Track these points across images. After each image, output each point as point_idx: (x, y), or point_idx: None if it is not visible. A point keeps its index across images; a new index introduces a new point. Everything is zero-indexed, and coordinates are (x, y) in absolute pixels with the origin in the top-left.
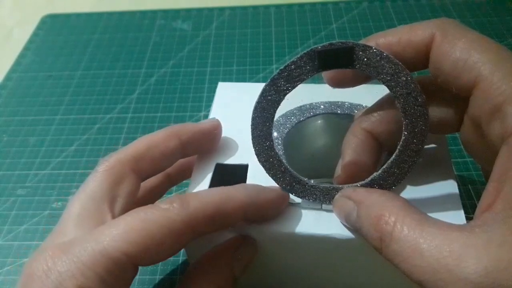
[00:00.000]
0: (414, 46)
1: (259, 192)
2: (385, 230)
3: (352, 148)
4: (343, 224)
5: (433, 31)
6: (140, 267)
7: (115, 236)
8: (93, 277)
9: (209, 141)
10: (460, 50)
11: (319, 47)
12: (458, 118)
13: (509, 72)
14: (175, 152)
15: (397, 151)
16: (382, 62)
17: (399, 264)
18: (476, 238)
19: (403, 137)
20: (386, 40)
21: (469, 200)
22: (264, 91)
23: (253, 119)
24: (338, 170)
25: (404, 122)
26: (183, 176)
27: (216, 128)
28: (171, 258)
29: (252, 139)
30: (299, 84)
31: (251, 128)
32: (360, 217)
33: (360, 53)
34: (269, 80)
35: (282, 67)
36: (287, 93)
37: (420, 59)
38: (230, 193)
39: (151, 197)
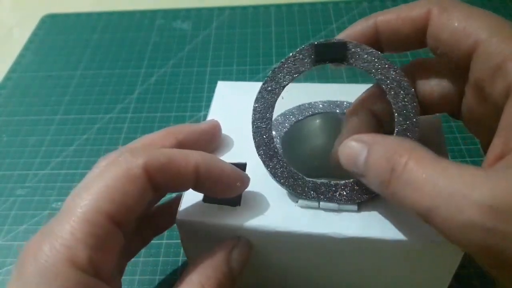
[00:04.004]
0: (411, 21)
1: (216, 160)
2: (398, 161)
3: (352, 125)
4: (347, 170)
5: (430, 6)
6: (141, 268)
7: (82, 201)
8: (77, 245)
9: (207, 141)
10: (458, 19)
11: (316, 42)
12: (458, 91)
13: (507, 35)
14: None
15: None
16: (373, 58)
17: (408, 195)
18: (490, 172)
19: (395, 132)
20: (385, 17)
21: None
22: (265, 83)
23: (254, 109)
24: (336, 146)
25: (395, 116)
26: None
27: (214, 128)
28: (171, 258)
29: (253, 131)
30: (297, 76)
31: (252, 119)
32: (371, 155)
33: (353, 49)
34: (270, 72)
35: (282, 60)
36: (286, 85)
37: (417, 35)
38: (186, 150)
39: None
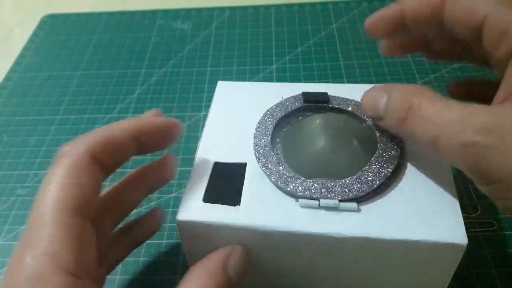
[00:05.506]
0: (430, 5)
1: (147, 118)
2: (414, 101)
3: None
4: (367, 114)
5: None
6: (141, 268)
7: (46, 208)
8: (59, 250)
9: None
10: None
11: (303, 91)
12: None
13: (510, 7)
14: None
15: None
16: (347, 101)
17: (419, 128)
18: (489, 107)
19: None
20: (409, 2)
21: (469, 200)
22: (264, 115)
23: (255, 133)
24: None
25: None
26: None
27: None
28: (171, 259)
29: (254, 143)
30: (289, 111)
31: (254, 134)
32: (391, 99)
33: (331, 95)
34: (268, 108)
35: (277, 102)
36: (280, 117)
37: (435, 18)
38: (119, 122)
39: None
